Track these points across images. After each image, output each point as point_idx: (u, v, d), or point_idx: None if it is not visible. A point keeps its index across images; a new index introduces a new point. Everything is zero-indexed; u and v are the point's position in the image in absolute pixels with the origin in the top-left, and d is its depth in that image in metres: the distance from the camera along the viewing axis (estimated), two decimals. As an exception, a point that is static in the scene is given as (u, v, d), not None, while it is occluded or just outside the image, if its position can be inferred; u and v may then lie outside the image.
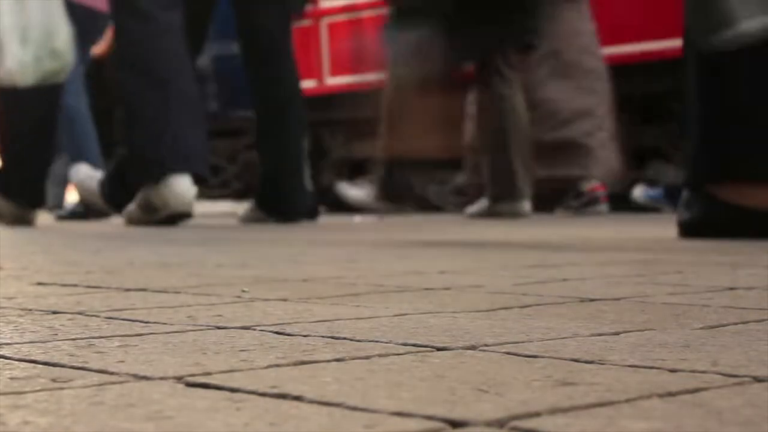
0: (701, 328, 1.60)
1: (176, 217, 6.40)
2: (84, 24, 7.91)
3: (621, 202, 8.89)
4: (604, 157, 7.65)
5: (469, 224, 6.54)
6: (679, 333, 1.55)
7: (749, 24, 4.01)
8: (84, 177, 7.85)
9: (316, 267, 2.92)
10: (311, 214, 7.07)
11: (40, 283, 2.47)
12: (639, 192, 9.32)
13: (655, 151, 9.72)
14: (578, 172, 7.64)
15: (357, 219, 7.38)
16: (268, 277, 2.61)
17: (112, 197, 7.15)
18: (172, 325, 1.69)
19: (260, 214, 7.02)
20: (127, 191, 6.67)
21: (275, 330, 1.61)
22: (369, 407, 1.03)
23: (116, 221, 7.39)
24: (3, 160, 7.39)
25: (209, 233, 5.65)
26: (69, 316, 1.82)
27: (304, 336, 1.54)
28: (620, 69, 8.50)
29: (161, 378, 1.21)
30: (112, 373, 1.24)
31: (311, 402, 1.06)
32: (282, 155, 6.77)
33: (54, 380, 1.20)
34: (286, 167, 6.80)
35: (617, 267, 2.78)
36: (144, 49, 6.32)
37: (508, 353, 1.36)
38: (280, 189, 6.83)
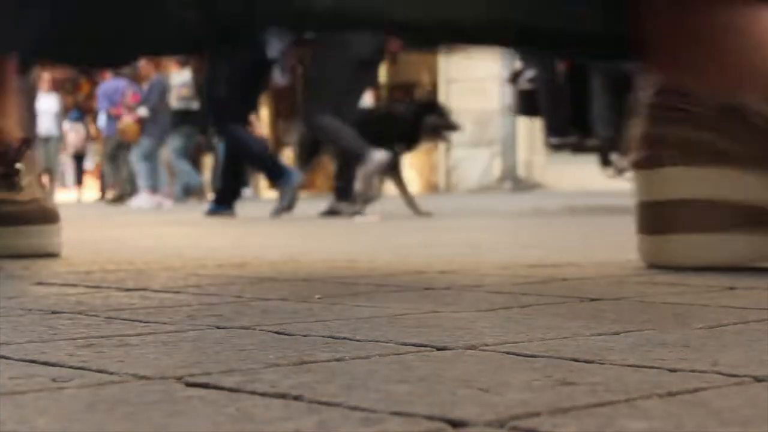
0: (701, 328, 1.60)
1: None
2: None
3: None
4: None
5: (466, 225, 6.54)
6: (679, 333, 1.55)
7: None
8: None
9: (317, 267, 2.92)
10: None
11: (40, 283, 2.47)
12: None
13: None
14: None
15: (358, 219, 7.37)
16: (268, 276, 2.61)
17: None
18: (172, 324, 1.69)
19: None
20: None
21: (275, 330, 1.61)
22: (369, 407, 1.03)
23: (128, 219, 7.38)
24: None
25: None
26: (69, 315, 1.82)
27: (304, 336, 1.54)
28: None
29: (161, 378, 1.21)
30: (111, 373, 1.24)
31: (311, 402, 1.06)
32: None
33: (54, 380, 1.20)
34: None
35: (617, 267, 2.78)
36: None
37: (508, 353, 1.36)
38: None
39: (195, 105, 16.65)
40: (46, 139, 16.32)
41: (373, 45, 6.99)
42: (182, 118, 16.37)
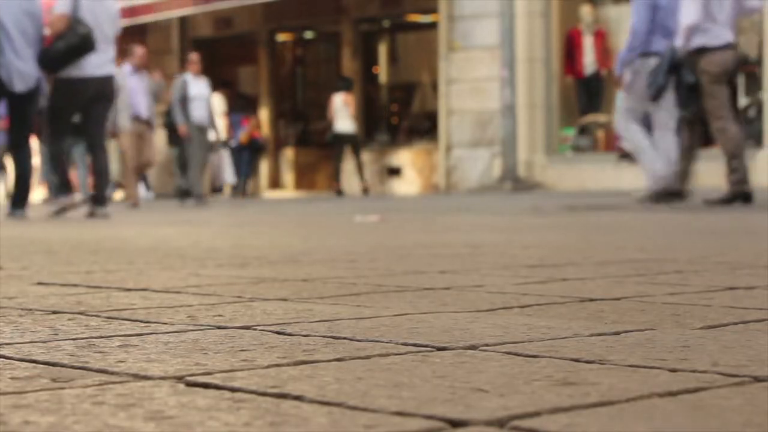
0: (701, 328, 1.60)
1: None
2: None
3: None
4: None
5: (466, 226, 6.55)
6: (679, 333, 1.55)
7: None
8: None
9: (317, 267, 2.92)
10: None
11: (40, 283, 2.47)
12: None
13: None
14: None
15: (358, 218, 7.38)
16: (269, 277, 2.61)
17: None
18: (172, 324, 1.69)
19: None
20: None
21: (275, 330, 1.61)
22: (369, 407, 1.03)
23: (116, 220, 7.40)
24: None
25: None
26: (69, 315, 1.82)
27: (305, 336, 1.54)
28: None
29: (162, 378, 1.21)
30: (112, 373, 1.25)
31: (311, 402, 1.06)
32: None
33: (55, 380, 1.20)
34: None
35: (617, 267, 2.78)
36: None
37: (509, 353, 1.36)
38: None
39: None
40: (200, 129, 13.53)
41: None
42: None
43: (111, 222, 6.90)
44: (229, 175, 15.58)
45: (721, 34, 8.27)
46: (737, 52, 8.43)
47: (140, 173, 13.76)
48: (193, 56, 14.08)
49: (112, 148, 12.82)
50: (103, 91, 8.59)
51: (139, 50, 13.43)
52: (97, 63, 8.47)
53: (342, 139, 16.66)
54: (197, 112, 13.64)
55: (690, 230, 4.89)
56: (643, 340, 1.47)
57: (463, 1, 15.80)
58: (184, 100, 13.55)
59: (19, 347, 1.45)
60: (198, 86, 13.79)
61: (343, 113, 16.63)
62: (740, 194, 8.11)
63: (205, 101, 13.78)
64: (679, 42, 8.29)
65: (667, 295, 2.07)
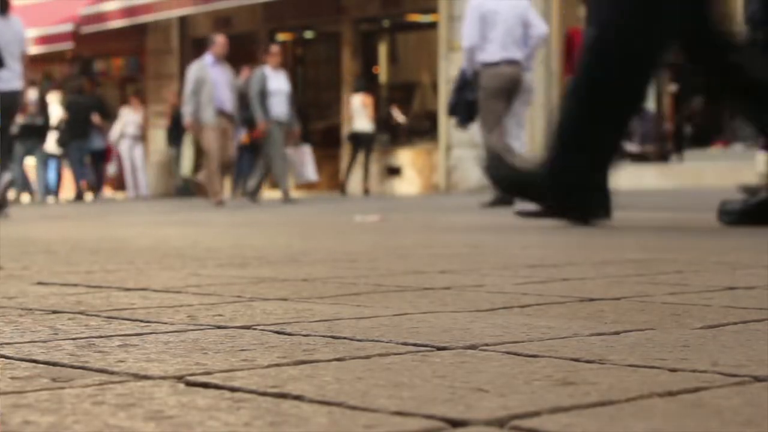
0: (701, 328, 1.60)
1: None
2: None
3: None
4: None
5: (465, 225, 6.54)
6: (679, 333, 1.55)
7: None
8: None
9: (317, 267, 2.92)
10: None
11: (40, 283, 2.47)
12: None
13: None
14: None
15: (358, 218, 7.38)
16: (269, 277, 2.61)
17: None
18: (172, 324, 1.69)
19: None
20: None
21: (275, 330, 1.61)
22: (369, 407, 1.03)
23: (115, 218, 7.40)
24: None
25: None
26: (69, 315, 1.82)
27: (305, 335, 1.54)
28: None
29: (162, 377, 1.21)
30: (112, 373, 1.25)
31: (311, 402, 1.06)
32: None
33: (55, 380, 1.20)
34: None
35: (617, 267, 2.78)
36: None
37: (509, 353, 1.37)
38: None
39: (39, 120, 17.10)
40: (279, 125, 12.64)
41: None
42: (28, 130, 16.45)
43: (111, 222, 6.90)
44: (311, 173, 14.45)
45: (496, 52, 9.33)
46: (517, 68, 9.40)
47: (223, 171, 12.82)
48: (273, 48, 13.28)
49: (187, 143, 12.46)
50: (8, 104, 9.49)
51: (220, 39, 12.49)
52: (6, 78, 9.48)
53: (360, 139, 16.67)
54: (277, 108, 12.83)
55: (689, 230, 4.89)
56: (643, 340, 1.47)
57: (463, 1, 15.79)
58: (263, 95, 12.77)
59: (19, 347, 1.45)
60: (277, 80, 13.03)
61: (361, 114, 16.63)
62: (500, 199, 9.09)
63: (285, 96, 12.98)
64: (463, 64, 9.51)
65: (667, 295, 2.07)
